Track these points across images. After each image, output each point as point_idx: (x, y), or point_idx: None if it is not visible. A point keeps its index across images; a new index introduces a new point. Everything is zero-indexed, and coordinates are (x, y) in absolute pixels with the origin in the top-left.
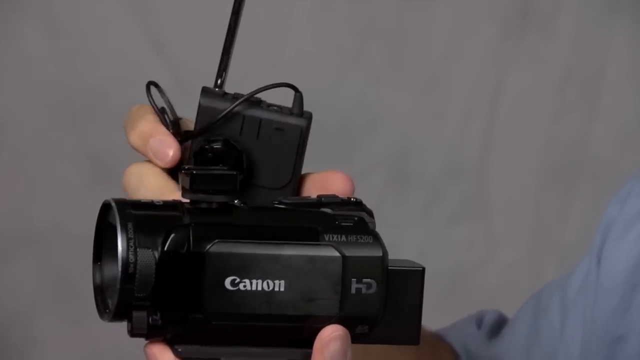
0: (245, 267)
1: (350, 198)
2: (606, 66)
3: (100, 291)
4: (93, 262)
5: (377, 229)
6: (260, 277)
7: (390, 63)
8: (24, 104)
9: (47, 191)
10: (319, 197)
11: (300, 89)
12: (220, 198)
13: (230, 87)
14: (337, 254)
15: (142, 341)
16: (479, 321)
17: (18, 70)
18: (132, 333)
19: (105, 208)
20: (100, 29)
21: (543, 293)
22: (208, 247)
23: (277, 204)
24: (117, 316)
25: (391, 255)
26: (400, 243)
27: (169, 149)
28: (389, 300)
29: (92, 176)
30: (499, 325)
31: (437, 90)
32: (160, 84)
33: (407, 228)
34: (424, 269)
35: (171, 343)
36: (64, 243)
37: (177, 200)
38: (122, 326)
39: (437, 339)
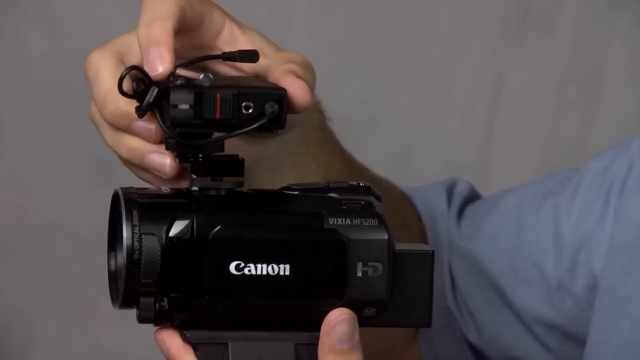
0: (250, 252)
1: (359, 183)
2: (606, 65)
3: (114, 279)
4: (108, 251)
5: None
6: (265, 262)
7: (390, 63)
8: (24, 104)
9: (47, 191)
10: (328, 182)
11: None
12: (227, 185)
13: None
14: (341, 237)
15: (141, 341)
16: (450, 190)
17: (18, 70)
18: (140, 319)
19: (116, 197)
20: (101, 28)
21: (528, 195)
22: (212, 232)
23: (284, 189)
24: (125, 302)
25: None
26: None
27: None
28: (397, 283)
29: (92, 176)
30: (468, 199)
31: (437, 90)
32: None
33: None
34: (433, 251)
35: (180, 328)
36: (64, 243)
37: (185, 188)
38: (122, 326)
39: (404, 198)
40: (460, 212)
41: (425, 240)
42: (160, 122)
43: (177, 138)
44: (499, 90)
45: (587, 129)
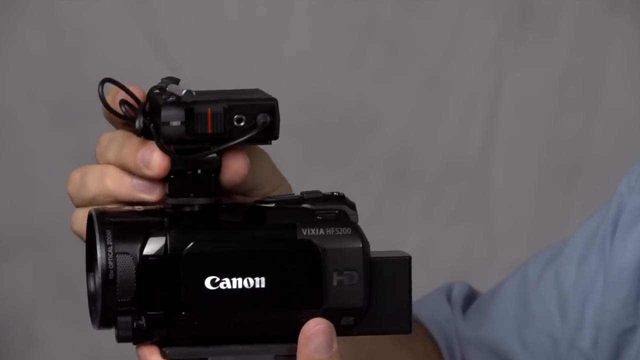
0: (224, 266)
1: (333, 192)
2: (606, 66)
3: (93, 299)
4: (86, 272)
5: (378, 229)
6: (240, 275)
7: (390, 63)
8: (24, 104)
9: (47, 191)
10: (302, 193)
11: (300, 88)
12: (200, 200)
13: (230, 88)
14: (315, 247)
15: None
16: (448, 295)
17: (18, 70)
18: (119, 338)
19: (90, 218)
20: (100, 29)
21: (528, 270)
22: (185, 249)
23: (258, 202)
24: (103, 322)
25: None
26: (401, 243)
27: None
28: (374, 291)
29: None
30: (469, 298)
31: (437, 90)
32: None
33: (407, 228)
34: (410, 257)
35: (159, 345)
36: (64, 243)
37: (159, 206)
38: None
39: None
40: (465, 311)
41: (436, 348)
42: (158, 140)
43: (179, 156)
44: (499, 90)
45: (587, 129)
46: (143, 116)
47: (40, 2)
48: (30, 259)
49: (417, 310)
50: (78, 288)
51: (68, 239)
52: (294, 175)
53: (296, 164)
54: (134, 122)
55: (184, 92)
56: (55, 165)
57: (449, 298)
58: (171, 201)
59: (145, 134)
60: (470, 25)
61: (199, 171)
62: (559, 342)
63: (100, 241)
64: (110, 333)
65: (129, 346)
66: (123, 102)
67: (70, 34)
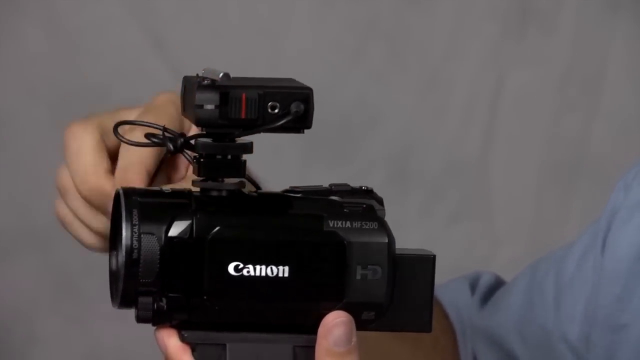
0: (249, 253)
1: (362, 186)
2: (607, 64)
3: (114, 278)
4: (109, 251)
5: None
6: (264, 263)
7: (390, 61)
8: (24, 102)
9: (48, 189)
10: (330, 185)
11: None
12: (228, 185)
13: None
14: (341, 240)
15: (142, 340)
16: (474, 282)
17: (19, 69)
18: (138, 318)
19: (118, 197)
20: (101, 28)
21: (540, 265)
22: (211, 233)
23: (286, 192)
24: (124, 302)
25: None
26: (401, 242)
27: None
28: (397, 287)
29: None
30: (493, 289)
31: (437, 89)
32: (161, 82)
33: (408, 227)
34: (434, 256)
35: (178, 328)
36: (65, 241)
37: (187, 189)
38: (123, 325)
39: None
40: (486, 301)
41: (451, 331)
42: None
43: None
44: (499, 89)
45: (588, 128)
46: (169, 140)
47: (40, 2)
48: (31, 258)
49: (439, 293)
50: (78, 287)
51: (69, 238)
52: (295, 174)
53: (296, 163)
54: (165, 146)
55: (220, 74)
56: (55, 164)
57: (473, 285)
58: (199, 185)
59: (177, 152)
60: (470, 24)
61: (229, 156)
62: (550, 334)
63: (126, 220)
64: (110, 332)
65: (129, 345)
66: (149, 136)
67: (70, 34)
